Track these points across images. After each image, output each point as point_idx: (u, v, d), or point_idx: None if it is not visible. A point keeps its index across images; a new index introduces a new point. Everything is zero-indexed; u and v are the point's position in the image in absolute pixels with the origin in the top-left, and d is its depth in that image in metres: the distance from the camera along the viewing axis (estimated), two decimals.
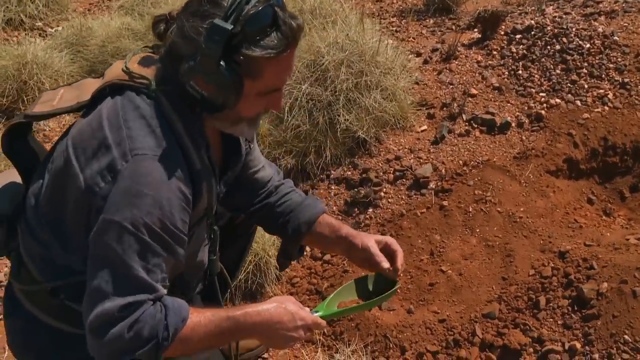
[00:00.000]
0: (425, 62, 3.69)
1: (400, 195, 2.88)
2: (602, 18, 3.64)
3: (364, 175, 3.00)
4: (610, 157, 3.01)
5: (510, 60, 3.47)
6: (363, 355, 2.25)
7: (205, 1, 1.26)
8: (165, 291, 1.32)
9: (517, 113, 3.18)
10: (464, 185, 2.81)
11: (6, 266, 2.73)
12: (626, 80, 3.18)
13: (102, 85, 1.38)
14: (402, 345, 2.30)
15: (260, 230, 2.14)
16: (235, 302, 2.47)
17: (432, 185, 2.87)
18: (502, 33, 3.68)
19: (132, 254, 1.25)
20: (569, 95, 3.18)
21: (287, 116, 3.05)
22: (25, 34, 4.61)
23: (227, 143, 1.56)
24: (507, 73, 3.41)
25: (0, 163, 3.06)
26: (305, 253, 2.66)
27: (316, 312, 1.54)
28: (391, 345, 2.31)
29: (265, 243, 2.55)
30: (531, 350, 2.19)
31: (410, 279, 2.53)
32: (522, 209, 2.69)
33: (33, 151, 1.53)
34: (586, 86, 3.20)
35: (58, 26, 4.84)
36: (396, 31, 4.25)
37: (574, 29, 3.46)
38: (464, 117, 3.18)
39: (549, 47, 3.42)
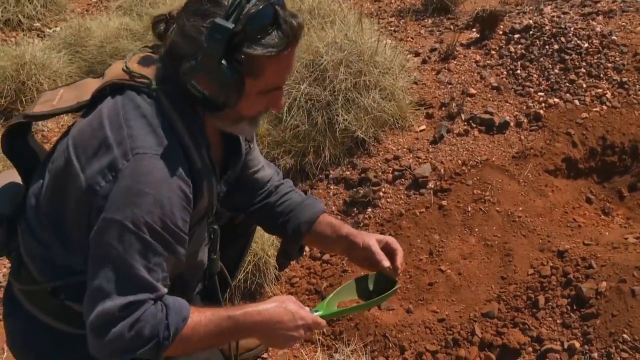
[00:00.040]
0: (424, 61, 3.69)
1: (399, 195, 2.89)
2: (600, 17, 3.65)
3: (362, 175, 3.00)
4: (609, 157, 3.01)
5: (509, 60, 3.48)
6: (362, 354, 2.25)
7: (205, 0, 1.27)
8: (166, 290, 1.33)
9: (516, 113, 3.18)
10: (463, 184, 2.81)
11: (5, 267, 2.73)
12: (624, 79, 3.19)
13: (102, 85, 1.38)
14: (401, 344, 2.30)
15: (259, 230, 2.14)
16: (235, 302, 2.48)
17: (431, 185, 2.87)
18: (501, 33, 3.69)
19: (133, 253, 1.25)
20: (568, 94, 3.18)
21: (286, 116, 3.05)
22: (24, 35, 4.61)
23: (227, 142, 1.56)
24: (505, 73, 3.42)
25: None
26: (304, 253, 2.66)
27: (316, 311, 1.54)
28: (390, 345, 2.31)
29: (264, 243, 2.55)
30: (530, 349, 2.19)
31: (409, 278, 2.53)
32: (520, 209, 2.69)
33: (33, 151, 1.53)
34: (584, 86, 3.20)
35: (56, 27, 4.83)
36: (394, 31, 4.26)
37: (572, 29, 3.47)
38: (463, 116, 3.18)
39: (547, 46, 3.42)
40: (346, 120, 3.03)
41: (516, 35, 3.59)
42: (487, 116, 3.14)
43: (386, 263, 1.61)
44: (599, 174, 3.02)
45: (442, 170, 2.92)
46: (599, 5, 3.84)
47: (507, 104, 3.24)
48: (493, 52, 3.58)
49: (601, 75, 3.24)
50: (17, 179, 1.55)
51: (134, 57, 1.42)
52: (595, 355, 2.08)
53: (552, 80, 3.27)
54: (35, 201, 1.43)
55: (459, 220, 2.69)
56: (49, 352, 1.48)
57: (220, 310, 1.39)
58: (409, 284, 2.51)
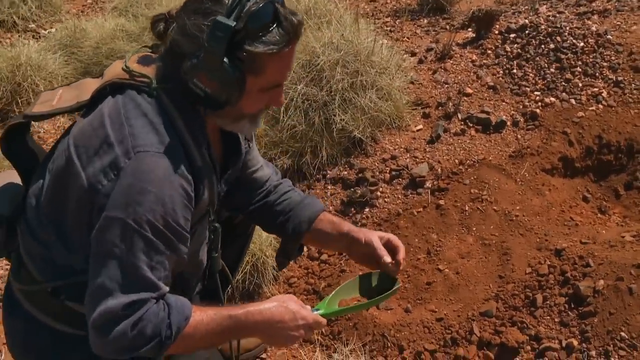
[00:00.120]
0: (420, 61, 3.70)
1: (397, 194, 2.89)
2: (596, 17, 3.66)
3: (360, 175, 3.00)
4: (605, 155, 3.02)
5: (505, 60, 3.49)
6: (361, 354, 2.25)
7: None
8: (167, 289, 1.33)
9: (512, 112, 3.19)
10: (460, 184, 2.82)
11: (1, 268, 2.72)
12: (620, 78, 3.20)
13: (102, 85, 1.38)
14: (400, 344, 2.30)
15: (257, 230, 2.14)
16: (233, 303, 2.48)
17: (428, 184, 2.88)
18: (497, 32, 3.70)
19: (135, 251, 1.25)
20: (564, 93, 3.19)
21: (283, 116, 3.05)
22: (19, 36, 4.60)
23: (226, 142, 1.56)
24: (501, 72, 3.43)
25: None
26: (302, 253, 2.66)
27: (317, 310, 1.54)
28: (389, 345, 2.31)
29: (262, 243, 2.55)
30: (529, 348, 2.19)
31: (407, 278, 2.53)
32: (518, 208, 2.70)
33: (32, 152, 1.53)
34: (580, 85, 3.21)
35: (51, 28, 4.83)
36: (390, 31, 4.26)
37: (567, 28, 3.48)
38: (460, 116, 3.19)
39: (543, 46, 3.43)
40: (343, 120, 3.03)
41: (512, 35, 3.60)
42: (483, 115, 3.15)
43: (388, 259, 1.62)
44: (596, 173, 3.03)
45: (439, 169, 2.92)
46: (594, 4, 3.85)
47: (504, 103, 3.25)
48: (489, 51, 3.59)
49: (597, 74, 3.25)
50: (17, 179, 1.55)
51: (133, 57, 1.42)
52: (593, 353, 2.08)
53: (548, 79, 3.28)
54: (35, 201, 1.42)
55: (456, 220, 2.69)
56: (49, 353, 1.47)
57: (221, 309, 1.40)
58: (407, 283, 2.52)
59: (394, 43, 3.90)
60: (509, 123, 3.13)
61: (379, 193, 2.91)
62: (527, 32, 3.56)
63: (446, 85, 3.42)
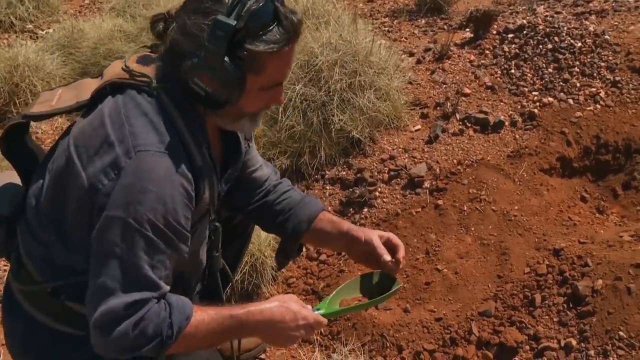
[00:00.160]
0: (418, 61, 3.70)
1: (395, 194, 2.89)
2: (593, 17, 3.67)
3: (358, 175, 3.00)
4: (603, 155, 3.03)
5: (503, 60, 3.49)
6: (360, 354, 2.25)
7: None
8: (168, 288, 1.33)
9: (510, 112, 3.19)
10: (459, 184, 2.82)
11: (0, 269, 2.71)
12: (617, 78, 3.20)
13: (102, 85, 1.38)
14: (399, 344, 2.30)
15: (256, 231, 2.14)
16: (232, 303, 2.47)
17: (426, 184, 2.88)
18: (495, 32, 3.70)
19: (136, 251, 1.26)
20: (562, 93, 3.20)
21: (282, 117, 3.05)
22: (16, 37, 4.59)
23: (226, 142, 1.56)
24: (499, 72, 3.43)
25: None
26: (302, 253, 2.66)
27: (318, 309, 1.54)
28: (388, 344, 2.31)
29: (261, 244, 2.55)
30: (527, 347, 2.20)
31: (406, 278, 2.53)
32: (516, 208, 2.70)
33: (31, 152, 1.53)
34: (578, 85, 3.22)
35: (49, 28, 4.82)
36: (388, 31, 4.27)
37: (565, 28, 3.48)
38: (458, 116, 3.19)
39: (541, 46, 3.44)
40: (341, 120, 3.04)
41: (510, 35, 3.61)
42: (481, 116, 3.15)
43: (387, 257, 1.62)
44: (594, 173, 3.04)
45: (437, 169, 2.92)
46: (591, 5, 3.86)
47: (502, 103, 3.26)
48: (487, 51, 3.60)
49: (594, 74, 3.25)
50: (16, 179, 1.55)
51: (132, 57, 1.42)
52: (592, 352, 2.09)
53: (546, 79, 3.29)
54: (35, 201, 1.42)
55: (455, 220, 2.70)
56: (49, 353, 1.47)
57: (222, 309, 1.40)
58: (406, 283, 2.52)
59: (392, 43, 3.90)
60: (507, 123, 3.13)
61: (377, 193, 2.91)
62: (525, 32, 3.57)
63: (444, 86, 3.43)
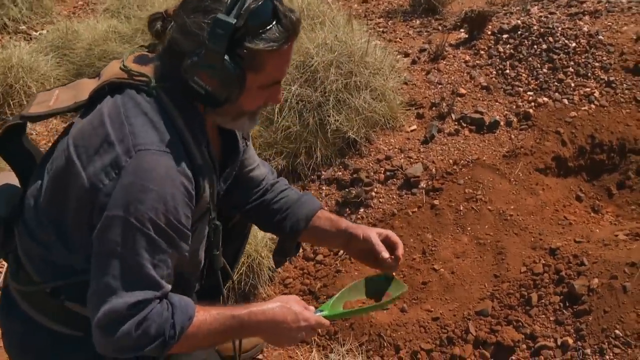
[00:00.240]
0: (414, 62, 3.71)
1: (391, 194, 2.90)
2: (587, 17, 3.69)
3: (354, 176, 3.01)
4: (598, 155, 3.04)
5: (498, 60, 3.50)
6: (358, 354, 2.25)
7: None
8: (170, 287, 1.33)
9: (506, 112, 3.21)
10: (455, 184, 2.83)
11: None
12: (611, 78, 3.22)
13: (100, 84, 1.37)
14: (396, 344, 2.31)
15: (252, 231, 2.14)
16: (228, 304, 2.47)
17: (422, 184, 2.88)
18: (489, 33, 3.71)
19: (138, 250, 1.25)
20: (556, 93, 3.21)
21: (277, 117, 3.05)
22: (10, 38, 4.57)
23: (224, 141, 1.56)
24: (494, 72, 3.44)
25: None
26: (299, 252, 2.66)
27: (321, 311, 1.54)
28: (385, 344, 2.31)
29: (257, 244, 2.55)
30: (524, 346, 2.20)
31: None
32: (512, 207, 2.71)
33: (28, 152, 1.52)
34: (573, 85, 3.24)
35: (43, 29, 4.80)
36: (383, 32, 4.27)
37: (559, 29, 3.50)
38: (453, 116, 3.20)
39: (535, 46, 3.45)
40: (337, 121, 3.04)
41: (505, 36, 3.62)
42: (477, 116, 3.16)
43: (386, 254, 1.63)
44: (588, 172, 3.05)
45: (433, 169, 2.93)
46: (584, 5, 3.88)
47: (497, 103, 3.27)
48: (482, 52, 3.61)
49: (589, 74, 3.27)
50: (13, 180, 1.54)
51: (130, 57, 1.42)
52: (588, 351, 2.09)
53: (541, 79, 3.30)
54: (34, 202, 1.42)
55: (451, 220, 2.70)
56: (48, 354, 1.46)
57: (224, 309, 1.40)
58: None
59: (387, 44, 3.91)
60: (502, 123, 3.15)
61: (373, 193, 2.92)
62: (519, 32, 3.58)
63: (440, 86, 3.44)
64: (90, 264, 1.29)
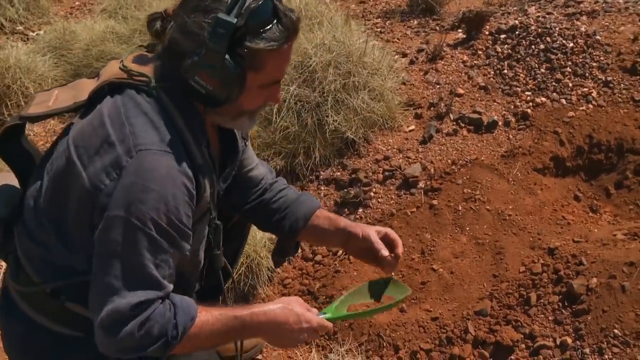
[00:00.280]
0: (412, 62, 3.71)
1: (390, 194, 2.90)
2: (584, 18, 3.69)
3: (353, 176, 3.01)
4: (596, 155, 3.05)
5: (496, 60, 3.51)
6: (357, 354, 2.25)
7: None
8: (172, 287, 1.33)
9: (504, 112, 3.21)
10: (453, 184, 2.83)
11: None
12: (609, 78, 3.23)
13: (100, 85, 1.37)
14: (395, 343, 2.31)
15: (251, 232, 2.14)
16: (227, 304, 2.47)
17: (421, 184, 2.89)
18: (487, 33, 3.72)
19: (139, 250, 1.25)
20: (554, 93, 3.22)
21: (276, 118, 3.05)
22: (7, 38, 4.55)
23: (223, 141, 1.56)
24: (492, 72, 3.45)
25: None
26: (298, 252, 2.66)
27: (324, 313, 1.54)
28: (385, 344, 2.32)
29: (256, 245, 2.54)
30: (523, 346, 2.21)
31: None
32: (510, 207, 2.72)
33: (27, 153, 1.52)
34: (570, 85, 3.24)
35: (40, 30, 4.79)
36: (380, 32, 4.27)
37: (557, 29, 3.51)
38: (451, 116, 3.20)
39: (533, 46, 3.46)
40: (336, 121, 3.04)
41: (502, 36, 3.62)
42: (475, 116, 3.17)
43: (385, 252, 1.63)
44: (587, 172, 3.06)
45: (432, 169, 2.93)
46: (582, 5, 3.89)
47: (495, 103, 3.27)
48: (480, 52, 3.61)
49: (586, 74, 3.28)
50: (13, 181, 1.54)
51: (129, 57, 1.41)
52: (587, 350, 2.10)
53: (539, 79, 3.31)
54: (33, 202, 1.41)
55: (449, 220, 2.70)
56: (48, 354, 1.46)
57: (226, 310, 1.40)
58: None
59: (385, 44, 3.91)
60: (500, 123, 3.15)
61: (372, 193, 2.92)
62: (517, 32, 3.59)
63: (438, 86, 3.44)
64: (90, 265, 1.29)
